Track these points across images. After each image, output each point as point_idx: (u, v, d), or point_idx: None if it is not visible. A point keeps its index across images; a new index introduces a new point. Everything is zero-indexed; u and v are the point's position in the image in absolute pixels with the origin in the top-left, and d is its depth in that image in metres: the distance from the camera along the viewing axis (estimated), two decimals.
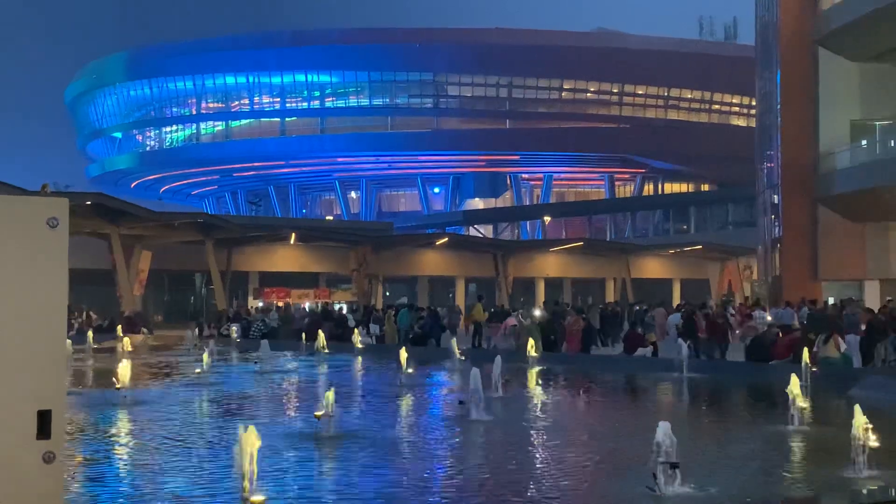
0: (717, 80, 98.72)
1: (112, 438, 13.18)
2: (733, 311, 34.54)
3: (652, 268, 63.40)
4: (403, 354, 19.88)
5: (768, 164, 46.54)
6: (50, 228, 4.11)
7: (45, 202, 4.17)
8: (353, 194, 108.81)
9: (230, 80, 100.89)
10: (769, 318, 31.22)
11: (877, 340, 22.76)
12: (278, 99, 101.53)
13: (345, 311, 41.51)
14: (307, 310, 43.76)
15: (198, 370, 21.55)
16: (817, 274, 41.61)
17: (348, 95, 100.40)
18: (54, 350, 4.17)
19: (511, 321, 32.54)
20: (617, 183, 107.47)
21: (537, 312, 30.77)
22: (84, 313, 42.32)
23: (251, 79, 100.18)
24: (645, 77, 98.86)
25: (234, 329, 35.93)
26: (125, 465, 11.16)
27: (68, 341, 19.18)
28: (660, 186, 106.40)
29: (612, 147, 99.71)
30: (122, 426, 14.34)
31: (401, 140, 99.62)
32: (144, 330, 40.49)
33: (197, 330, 39.33)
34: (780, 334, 23.47)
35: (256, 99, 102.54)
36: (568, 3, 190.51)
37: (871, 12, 36.62)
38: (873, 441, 9.40)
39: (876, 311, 27.78)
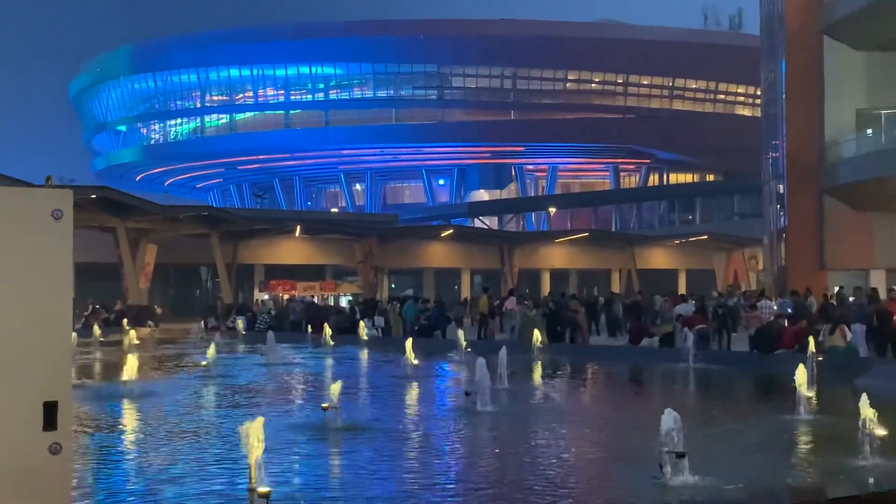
0: (723, 70, 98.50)
1: (119, 430, 13.21)
2: (743, 301, 34.50)
3: (657, 258, 63.33)
4: (409, 346, 19.88)
5: (774, 154, 46.43)
6: (54, 220, 4.11)
7: (49, 194, 4.17)
8: (357, 186, 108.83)
9: (234, 72, 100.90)
10: (775, 307, 31.21)
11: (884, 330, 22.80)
12: (282, 91, 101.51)
13: (345, 305, 41.55)
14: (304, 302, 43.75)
15: (203, 362, 21.59)
16: (823, 264, 41.53)
17: (352, 87, 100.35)
18: (60, 342, 4.17)
19: (510, 304, 32.56)
20: (622, 174, 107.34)
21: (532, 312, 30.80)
22: (90, 307, 42.29)
23: (255, 71, 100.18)
24: (650, 67, 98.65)
25: (241, 322, 36.00)
26: (131, 456, 11.19)
27: (74, 334, 19.20)
28: (665, 177, 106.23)
29: (618, 138, 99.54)
30: (129, 418, 14.38)
31: (405, 132, 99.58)
32: (150, 323, 40.59)
33: (203, 323, 39.41)
34: (787, 324, 23.47)
35: (261, 92, 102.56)
36: None
37: (876, 1, 36.49)
38: (880, 430, 9.39)
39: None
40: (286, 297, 48.26)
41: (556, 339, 28.58)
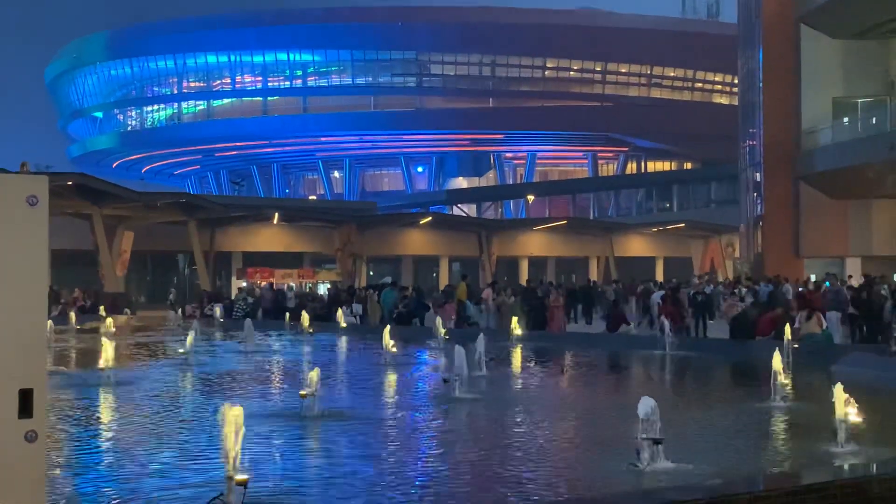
0: (700, 59, 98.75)
1: (95, 418, 13.15)
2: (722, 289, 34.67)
3: (635, 246, 63.53)
4: (387, 333, 19.88)
5: (751, 142, 46.64)
6: (29, 206, 4.08)
7: (24, 180, 4.14)
8: (336, 174, 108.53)
9: (212, 59, 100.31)
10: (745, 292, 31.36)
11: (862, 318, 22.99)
12: (260, 78, 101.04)
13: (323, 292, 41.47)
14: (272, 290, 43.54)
15: (181, 350, 21.51)
16: (799, 251, 41.81)
17: (331, 74, 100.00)
18: (35, 329, 4.14)
19: (486, 294, 32.69)
20: (600, 161, 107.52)
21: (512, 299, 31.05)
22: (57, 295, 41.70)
23: (233, 58, 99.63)
24: (628, 55, 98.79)
25: (218, 309, 35.89)
26: (108, 444, 11.14)
27: (49, 321, 19.10)
28: (643, 165, 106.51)
29: (596, 126, 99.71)
30: (106, 406, 14.31)
31: (384, 119, 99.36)
32: (127, 311, 40.40)
33: (180, 310, 39.27)
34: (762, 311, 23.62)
35: (238, 78, 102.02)
36: None
37: None
38: (854, 416, 9.47)
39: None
40: (263, 284, 48.10)
41: (539, 327, 28.69)
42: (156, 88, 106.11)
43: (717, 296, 32.62)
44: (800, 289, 30.12)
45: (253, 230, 52.64)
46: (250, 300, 38.23)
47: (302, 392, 12.36)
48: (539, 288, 34.31)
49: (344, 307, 33.27)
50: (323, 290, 49.06)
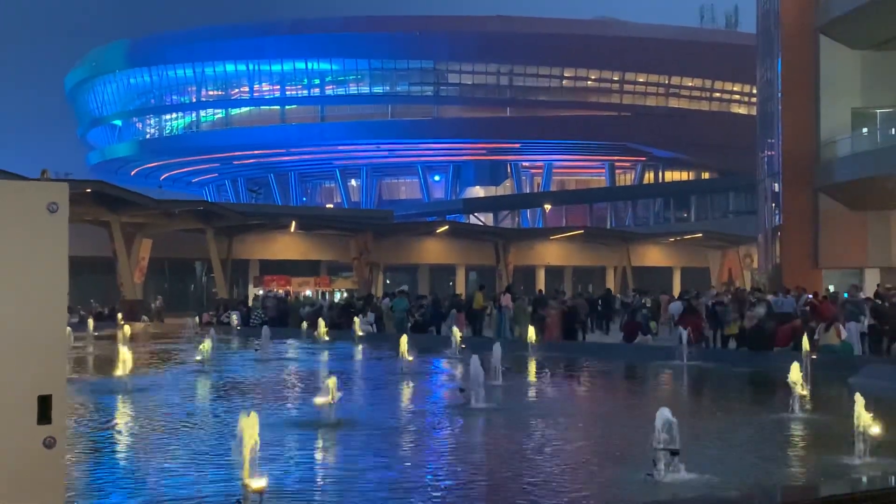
0: (718, 68, 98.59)
1: (113, 424, 13.19)
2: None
3: (652, 256, 63.42)
4: (404, 342, 19.85)
5: (769, 153, 46.50)
6: (50, 213, 4.09)
7: (44, 187, 4.16)
8: (353, 182, 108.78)
9: (230, 67, 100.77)
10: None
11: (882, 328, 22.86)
12: (278, 87, 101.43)
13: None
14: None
15: (198, 357, 21.54)
16: (818, 262, 41.61)
17: (348, 83, 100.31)
18: (55, 335, 4.16)
19: (505, 301, 32.69)
20: (617, 171, 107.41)
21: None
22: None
23: (251, 66, 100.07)
24: (646, 65, 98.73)
25: (235, 317, 35.95)
26: (126, 451, 11.18)
27: (68, 328, 19.14)
28: (660, 174, 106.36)
29: (613, 135, 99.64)
30: (123, 412, 14.35)
31: (401, 128, 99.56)
32: (145, 318, 40.59)
33: (197, 318, 39.40)
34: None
35: (256, 87, 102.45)
36: None
37: (872, 0, 36.53)
38: (874, 429, 9.40)
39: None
40: (281, 291, 48.22)
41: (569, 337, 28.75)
42: (174, 97, 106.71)
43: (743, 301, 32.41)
44: (791, 297, 29.84)
45: (270, 238, 52.83)
46: (311, 307, 38.33)
47: (318, 399, 12.37)
48: (556, 297, 34.34)
49: (360, 316, 33.28)
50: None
